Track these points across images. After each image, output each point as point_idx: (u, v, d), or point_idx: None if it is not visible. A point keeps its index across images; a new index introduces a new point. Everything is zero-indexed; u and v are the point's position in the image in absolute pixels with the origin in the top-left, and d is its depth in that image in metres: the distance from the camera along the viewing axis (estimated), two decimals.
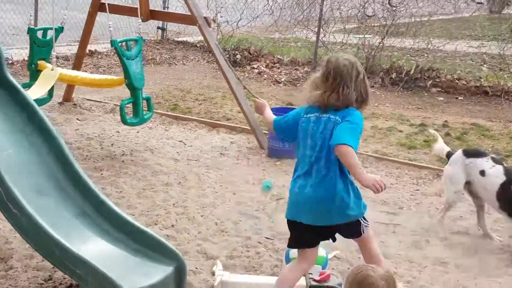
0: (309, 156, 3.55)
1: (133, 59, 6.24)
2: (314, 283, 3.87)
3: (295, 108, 7.69)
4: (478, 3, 15.53)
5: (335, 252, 4.58)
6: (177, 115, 8.50)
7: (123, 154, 6.61)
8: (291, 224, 3.67)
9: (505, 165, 5.17)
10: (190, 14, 7.42)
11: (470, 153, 5.19)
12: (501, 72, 11.91)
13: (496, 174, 4.91)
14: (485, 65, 13.02)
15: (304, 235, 3.64)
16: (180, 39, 14.71)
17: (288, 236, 3.77)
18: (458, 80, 11.37)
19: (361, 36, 12.60)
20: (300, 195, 3.57)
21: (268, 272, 4.29)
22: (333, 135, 3.45)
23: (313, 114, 3.60)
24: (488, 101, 10.62)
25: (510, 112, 9.84)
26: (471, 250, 4.92)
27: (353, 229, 3.65)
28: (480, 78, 11.57)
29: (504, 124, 9.13)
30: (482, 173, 4.98)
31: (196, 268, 4.25)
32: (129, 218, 3.85)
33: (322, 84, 3.56)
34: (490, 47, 13.01)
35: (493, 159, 5.08)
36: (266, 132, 7.23)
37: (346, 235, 3.75)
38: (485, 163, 5.01)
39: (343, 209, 3.53)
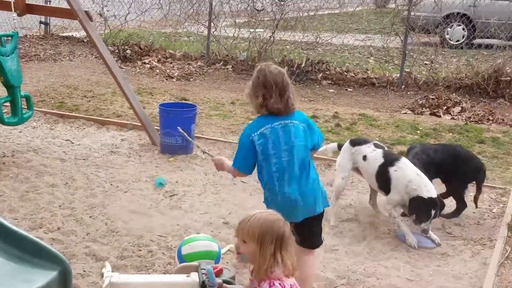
0: (287, 162, 3.67)
1: (8, 56, 5.97)
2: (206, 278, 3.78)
3: (189, 103, 7.63)
4: None
5: (229, 246, 4.54)
6: (63, 113, 8.17)
7: (4, 156, 6.28)
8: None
9: (385, 149, 5.50)
10: (70, 8, 6.97)
11: (356, 142, 5.53)
12: (386, 64, 12.31)
13: (375, 157, 5.24)
14: (371, 58, 13.44)
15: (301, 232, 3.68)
16: (65, 34, 14.21)
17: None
18: (347, 72, 11.65)
19: (252, 30, 12.66)
20: (296, 199, 3.67)
21: (160, 271, 4.19)
22: (314, 137, 3.84)
23: (278, 123, 3.69)
24: (375, 92, 10.93)
25: (395, 102, 10.17)
26: (359, 236, 5.03)
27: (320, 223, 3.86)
28: (367, 70, 11.92)
29: (390, 114, 9.42)
30: (364, 158, 5.31)
31: (84, 271, 4.07)
32: (8, 224, 3.60)
33: (280, 92, 3.67)
34: (375, 40, 13.42)
35: (375, 145, 5.42)
36: (158, 128, 7.08)
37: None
38: (367, 149, 5.35)
39: (324, 197, 3.84)
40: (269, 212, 2.93)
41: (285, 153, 3.67)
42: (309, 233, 3.79)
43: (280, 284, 2.77)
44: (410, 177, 4.93)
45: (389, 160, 5.13)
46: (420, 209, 4.82)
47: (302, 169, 3.70)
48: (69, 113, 8.18)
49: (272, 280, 2.78)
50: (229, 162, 3.93)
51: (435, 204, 4.83)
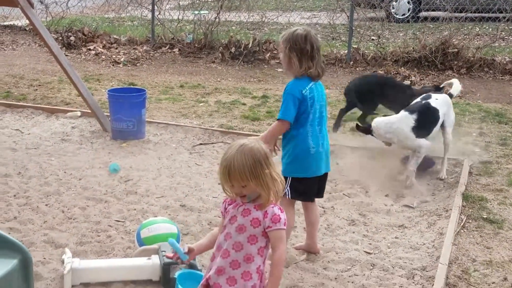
0: (318, 118, 4.09)
1: None
2: (167, 260, 3.81)
3: (137, 88, 7.57)
4: None
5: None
6: (11, 102, 8.02)
7: None
8: (311, 181, 4.15)
9: None
10: None
11: None
12: (333, 41, 12.43)
13: None
14: (318, 36, 13.51)
15: (314, 187, 4.22)
16: (7, 23, 13.89)
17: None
18: None
19: (196, 12, 12.60)
20: (319, 151, 4.10)
21: (121, 255, 4.18)
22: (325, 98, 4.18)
23: (311, 84, 4.05)
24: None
25: (345, 78, 10.29)
26: None
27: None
28: None
29: (340, 91, 9.52)
30: None
31: (44, 258, 4.04)
32: None
33: (312, 57, 4.00)
34: (321, 17, 13.51)
35: None
36: (108, 114, 7.02)
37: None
38: None
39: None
40: (236, 145, 2.81)
41: (321, 109, 4.10)
42: (323, 186, 4.31)
43: (279, 207, 2.87)
44: None
45: None
46: None
47: (323, 125, 4.17)
48: (17, 103, 8.03)
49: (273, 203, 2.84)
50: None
51: None
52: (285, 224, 2.81)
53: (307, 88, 4.01)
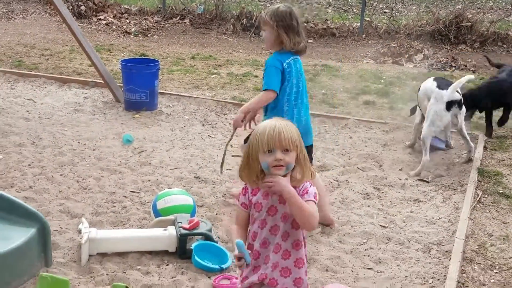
0: (295, 92, 4.18)
1: None
2: (184, 231, 3.82)
3: (150, 59, 7.56)
4: None
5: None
6: (23, 72, 8.00)
7: None
8: None
9: None
10: None
11: None
12: (345, 14, 12.31)
13: None
14: (330, 8, 13.41)
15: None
16: None
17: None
18: (306, 23, 11.61)
19: None
20: (307, 121, 4.28)
21: (137, 225, 4.18)
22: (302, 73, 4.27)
23: (291, 58, 4.12)
24: (336, 43, 10.96)
25: (357, 52, 10.22)
26: (330, 186, 5.08)
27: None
28: (327, 20, 11.90)
29: (352, 64, 9.47)
30: None
31: (60, 227, 4.05)
32: None
33: (298, 33, 4.11)
34: None
35: None
36: (121, 84, 6.98)
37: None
38: None
39: None
40: (272, 119, 2.66)
41: (298, 84, 4.19)
42: (310, 157, 4.26)
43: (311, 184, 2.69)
44: None
45: None
46: None
47: (305, 97, 4.28)
48: (29, 72, 8.00)
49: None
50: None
51: None
52: (315, 197, 2.63)
53: (286, 62, 4.10)
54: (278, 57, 4.11)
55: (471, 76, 5.85)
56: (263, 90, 4.11)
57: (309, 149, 4.23)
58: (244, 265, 2.61)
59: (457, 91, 5.41)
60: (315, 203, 2.62)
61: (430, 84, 5.60)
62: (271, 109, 4.18)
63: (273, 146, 2.56)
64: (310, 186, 2.65)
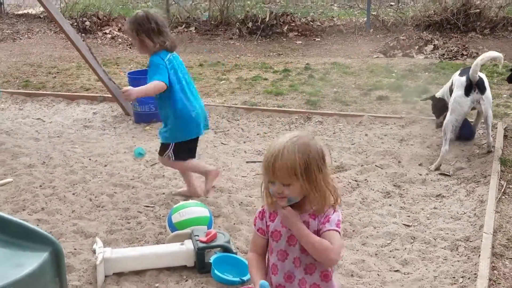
0: (185, 84, 4.46)
1: None
2: (201, 244, 3.69)
3: None
4: None
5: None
6: (30, 91, 7.93)
7: None
8: (192, 141, 4.60)
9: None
10: None
11: None
12: (351, 10, 12.17)
13: None
14: (335, 4, 13.27)
15: (194, 147, 4.67)
16: (21, 12, 13.79)
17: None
18: (312, 22, 11.51)
19: None
20: (200, 112, 4.51)
21: (153, 241, 4.06)
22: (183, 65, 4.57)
23: (169, 55, 4.40)
24: (343, 39, 10.82)
25: (366, 47, 10.08)
26: (348, 187, 4.94)
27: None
28: (333, 17, 11.77)
29: (362, 60, 9.33)
30: None
31: (75, 249, 3.94)
32: None
33: (161, 32, 4.37)
34: None
35: None
36: None
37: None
38: None
39: None
40: (289, 135, 2.35)
41: (184, 77, 4.46)
42: (196, 146, 4.67)
43: (335, 210, 2.40)
44: None
45: None
46: None
47: (194, 91, 4.57)
48: (36, 91, 7.93)
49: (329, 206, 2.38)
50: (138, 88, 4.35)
51: None
52: (337, 224, 2.37)
53: (167, 59, 4.36)
54: (157, 57, 4.34)
55: (495, 54, 5.40)
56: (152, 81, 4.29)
57: (195, 141, 4.60)
58: None
59: (478, 75, 5.21)
60: (339, 232, 2.37)
61: (455, 74, 5.48)
62: (163, 102, 4.44)
63: (270, 177, 2.31)
64: (333, 212, 2.39)
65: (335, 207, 2.40)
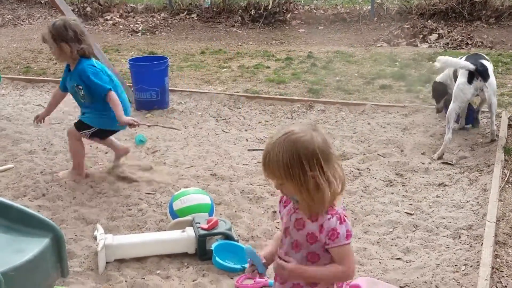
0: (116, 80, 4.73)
1: None
2: (202, 231, 3.68)
3: (159, 56, 7.58)
4: None
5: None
6: (31, 77, 7.89)
7: None
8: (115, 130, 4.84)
9: None
10: None
11: None
12: None
13: None
14: None
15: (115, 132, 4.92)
16: None
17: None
18: (315, 9, 11.44)
19: None
20: (127, 106, 4.69)
21: (154, 228, 4.05)
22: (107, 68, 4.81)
23: (92, 60, 4.57)
24: (347, 28, 10.76)
25: (369, 35, 10.02)
26: (351, 175, 4.92)
27: None
28: (337, 5, 11.71)
29: (366, 48, 9.28)
30: None
31: (76, 235, 3.92)
32: None
33: (79, 40, 4.50)
34: None
35: None
36: (131, 84, 6.86)
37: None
38: None
39: None
40: (284, 130, 2.21)
41: (113, 75, 4.68)
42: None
43: (340, 216, 2.23)
44: None
45: None
46: None
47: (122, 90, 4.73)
48: (37, 78, 7.90)
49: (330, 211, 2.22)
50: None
51: None
52: (347, 237, 2.21)
53: (95, 63, 4.54)
54: (87, 63, 4.48)
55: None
56: (105, 95, 4.42)
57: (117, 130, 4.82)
58: (257, 275, 2.38)
59: (482, 62, 5.15)
60: (349, 243, 2.23)
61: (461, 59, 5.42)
62: (98, 105, 4.54)
63: (265, 176, 2.23)
64: (339, 223, 2.20)
65: (337, 210, 2.24)
